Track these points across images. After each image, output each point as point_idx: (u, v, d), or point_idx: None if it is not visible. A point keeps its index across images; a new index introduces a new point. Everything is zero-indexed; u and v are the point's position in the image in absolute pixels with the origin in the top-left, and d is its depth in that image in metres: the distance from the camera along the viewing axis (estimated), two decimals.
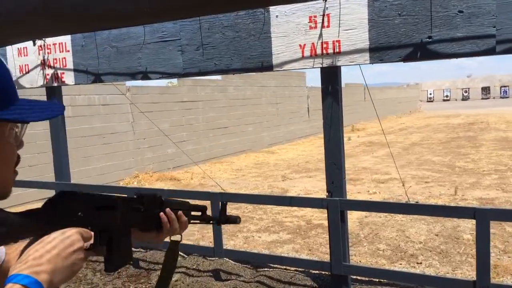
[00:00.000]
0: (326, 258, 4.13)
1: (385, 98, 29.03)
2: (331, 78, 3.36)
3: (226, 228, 5.91)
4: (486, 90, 50.67)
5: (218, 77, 13.44)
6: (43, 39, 4.37)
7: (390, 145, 13.39)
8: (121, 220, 0.95)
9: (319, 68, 3.35)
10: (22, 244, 0.82)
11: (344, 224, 3.45)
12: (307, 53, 3.33)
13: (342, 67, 3.38)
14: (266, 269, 4.04)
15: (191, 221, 1.20)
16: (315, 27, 3.28)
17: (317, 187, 8.34)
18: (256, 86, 15.15)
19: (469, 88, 51.99)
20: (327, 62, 3.27)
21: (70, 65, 4.33)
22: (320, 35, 3.28)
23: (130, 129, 10.34)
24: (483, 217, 2.90)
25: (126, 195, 1.05)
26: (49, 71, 4.45)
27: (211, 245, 4.15)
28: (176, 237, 1.17)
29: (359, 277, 3.72)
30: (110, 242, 0.93)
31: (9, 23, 3.34)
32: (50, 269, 0.72)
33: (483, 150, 12.38)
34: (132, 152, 10.39)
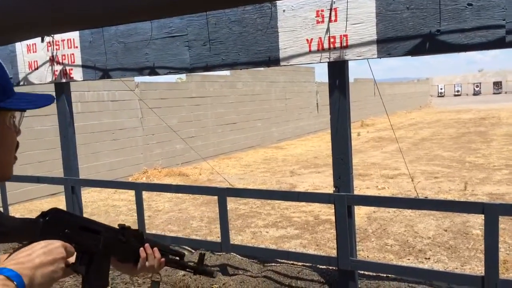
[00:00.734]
0: (334, 253, 4.12)
1: (394, 93, 28.84)
2: (338, 72, 3.34)
3: (233, 223, 5.92)
4: (497, 84, 50.07)
5: (227, 72, 13.44)
6: (52, 35, 4.40)
7: (399, 140, 13.31)
8: (103, 246, 1.03)
9: (326, 63, 3.33)
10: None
11: (351, 219, 3.44)
12: (314, 47, 3.31)
13: (350, 62, 3.36)
14: (273, 264, 4.05)
15: (169, 264, 1.27)
16: (322, 21, 3.26)
17: (326, 183, 8.32)
18: (265, 81, 15.12)
19: (480, 83, 51.42)
20: (334, 56, 3.25)
21: (78, 61, 4.36)
22: (328, 30, 3.26)
23: (139, 125, 10.39)
24: (492, 212, 2.87)
25: (110, 226, 1.11)
26: (58, 67, 4.48)
27: (219, 240, 4.17)
28: (156, 278, 1.26)
29: (366, 272, 3.71)
30: (90, 264, 0.99)
31: (17, 20, 3.36)
32: (32, 271, 0.78)
33: (494, 145, 12.26)
34: (141, 148, 10.44)
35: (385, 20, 3.04)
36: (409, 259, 4.52)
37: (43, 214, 0.91)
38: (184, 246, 4.46)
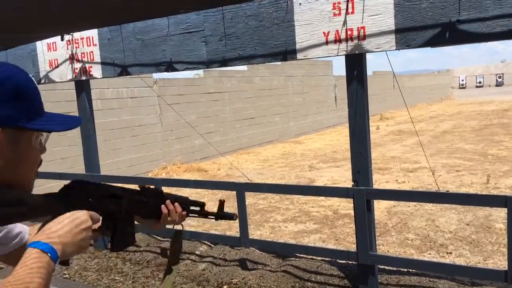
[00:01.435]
0: (353, 248, 4.09)
1: (414, 86, 28.40)
2: (356, 65, 3.30)
3: (252, 218, 5.93)
4: None
5: (244, 67, 13.43)
6: (71, 33, 4.46)
7: (420, 133, 13.11)
8: (126, 209, 1.10)
9: (344, 56, 3.30)
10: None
11: (371, 213, 3.40)
12: (331, 40, 3.27)
13: (368, 54, 3.32)
14: (292, 258, 4.04)
15: (190, 215, 1.35)
16: (339, 13, 3.22)
17: (345, 177, 8.27)
18: (282, 76, 15.07)
19: (503, 74, 50.24)
20: (351, 49, 3.21)
21: (97, 58, 4.41)
22: (345, 22, 3.22)
23: (158, 121, 10.48)
24: None
25: (131, 188, 1.18)
26: (78, 65, 4.54)
27: (238, 234, 4.18)
28: (178, 227, 1.33)
29: (386, 267, 3.67)
30: (115, 227, 1.08)
31: (37, 19, 3.42)
32: (62, 242, 0.84)
33: None
34: (160, 144, 10.54)
35: (403, 10, 2.99)
36: (430, 254, 4.46)
37: (66, 187, 0.96)
38: (203, 241, 4.49)
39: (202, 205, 1.41)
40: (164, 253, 4.40)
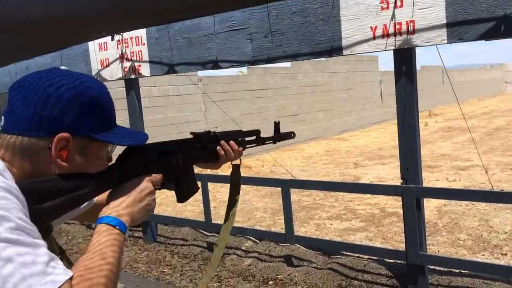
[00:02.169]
0: (401, 247, 4.00)
1: (465, 81, 27.29)
2: (405, 60, 3.22)
3: (297, 215, 5.92)
4: None
5: (288, 64, 13.38)
6: (121, 33, 4.60)
7: (471, 130, 12.59)
8: (183, 160, 1.14)
9: (392, 50, 3.22)
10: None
11: (420, 212, 3.31)
12: (379, 35, 3.20)
13: (417, 49, 3.22)
14: (338, 256, 4.00)
15: (247, 146, 1.41)
16: (387, 7, 3.14)
17: (391, 175, 8.08)
18: (326, 72, 14.90)
19: None
20: (400, 43, 3.13)
21: (145, 57, 4.53)
22: (393, 16, 3.14)
23: (203, 118, 10.64)
24: None
25: (184, 139, 1.23)
26: (127, 64, 4.69)
27: (283, 231, 4.19)
28: (236, 162, 1.38)
29: (437, 267, 3.56)
30: (177, 179, 1.12)
31: (89, 20, 3.55)
32: (129, 211, 0.90)
33: None
34: None
35: (455, 3, 2.88)
36: (483, 255, 4.29)
37: (121, 157, 0.99)
38: (248, 237, 4.53)
39: (257, 133, 1.46)
40: (211, 248, 4.48)
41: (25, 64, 5.57)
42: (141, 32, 4.49)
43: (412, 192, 3.24)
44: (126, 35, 4.60)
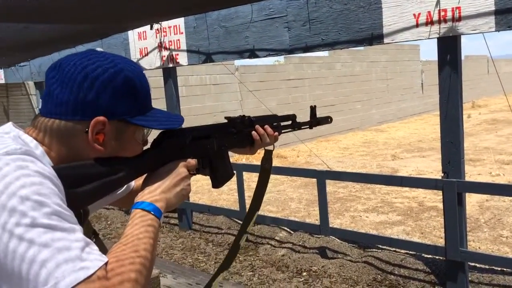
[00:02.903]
0: (441, 242, 3.88)
1: None
2: (449, 48, 3.08)
3: (332, 206, 5.85)
4: None
5: (325, 53, 13.18)
6: (160, 22, 4.64)
7: None
8: (217, 145, 1.12)
9: (436, 38, 3.09)
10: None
11: (462, 207, 3.19)
12: (422, 22, 3.08)
13: (462, 37, 3.08)
14: (374, 250, 3.93)
15: (283, 131, 1.37)
16: None
17: (431, 168, 7.85)
18: (365, 61, 14.58)
19: None
20: (445, 31, 3.00)
21: (183, 46, 4.55)
22: (438, 2, 3.01)
23: (239, 108, 10.66)
24: None
25: (218, 124, 1.21)
26: (165, 53, 4.73)
27: (317, 222, 4.14)
28: (269, 147, 1.34)
29: (478, 265, 3.44)
30: (212, 164, 1.11)
31: (130, 10, 3.60)
32: (164, 197, 0.89)
33: None
34: None
35: None
36: None
37: (156, 142, 0.98)
38: (283, 227, 4.52)
39: (293, 117, 1.41)
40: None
41: (68, 53, 5.72)
42: (179, 21, 4.51)
43: (453, 186, 3.13)
44: (165, 24, 4.64)
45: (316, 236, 4.23)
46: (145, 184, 0.92)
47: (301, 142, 9.37)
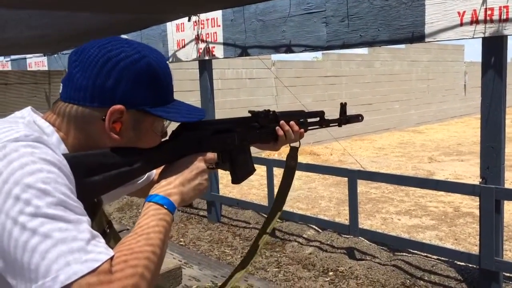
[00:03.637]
0: (475, 250, 3.74)
1: None
2: (494, 49, 2.94)
3: (364, 207, 5.75)
4: None
5: (364, 51, 12.95)
6: (198, 15, 4.67)
7: None
8: (239, 140, 1.08)
9: (480, 38, 2.96)
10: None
11: (499, 215, 3.06)
12: (466, 21, 2.96)
13: (509, 37, 2.94)
14: (404, 254, 3.83)
15: (310, 128, 1.30)
16: None
17: (470, 172, 7.59)
18: (405, 60, 14.21)
19: None
20: (491, 30, 2.86)
21: (220, 39, 4.56)
22: (484, 1, 2.88)
23: (274, 103, 10.62)
24: None
25: (241, 117, 1.15)
26: (202, 45, 4.75)
27: (347, 222, 4.08)
28: (294, 144, 1.28)
29: None
30: (232, 159, 1.07)
31: (169, 1, 3.62)
32: (179, 191, 0.87)
33: None
34: None
35: None
36: None
37: (174, 134, 0.95)
38: (311, 225, 4.47)
39: (321, 114, 1.34)
40: (272, 234, 4.48)
41: None
42: (217, 14, 4.52)
43: (491, 193, 3.00)
44: (203, 16, 4.66)
45: (345, 236, 4.16)
46: (161, 177, 0.90)
47: (335, 140, 9.25)
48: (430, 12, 3.12)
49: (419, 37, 3.21)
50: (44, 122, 0.82)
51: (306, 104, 10.02)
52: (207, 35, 4.67)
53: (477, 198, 3.14)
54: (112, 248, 0.70)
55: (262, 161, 4.62)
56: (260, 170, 7.99)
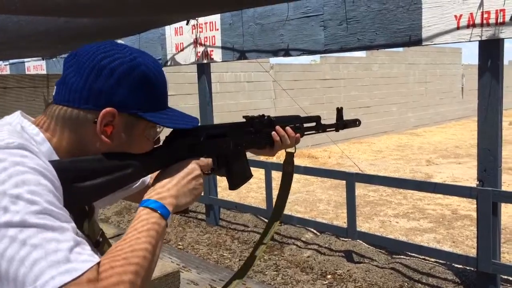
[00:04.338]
0: (472, 252, 3.75)
1: None
2: (491, 52, 2.96)
3: (361, 210, 5.76)
4: None
5: (362, 54, 12.99)
6: (196, 18, 4.68)
7: None
8: (234, 145, 1.07)
9: (477, 42, 2.98)
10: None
11: (496, 217, 3.07)
12: (463, 25, 2.98)
13: (506, 40, 2.96)
14: (402, 256, 3.84)
15: (306, 133, 1.30)
16: None
17: (467, 175, 7.61)
18: (403, 63, 14.26)
19: None
20: (487, 34, 2.88)
21: (218, 42, 4.57)
22: (481, 4, 2.90)
23: (272, 106, 10.64)
24: None
25: (236, 122, 1.15)
26: (200, 49, 4.76)
27: (345, 225, 4.09)
28: (290, 149, 1.28)
29: (511, 278, 3.30)
30: (228, 165, 1.06)
31: (168, 6, 3.63)
32: (173, 195, 0.85)
33: None
34: None
35: None
36: None
37: (167, 140, 0.94)
38: (309, 228, 4.48)
39: (317, 119, 1.34)
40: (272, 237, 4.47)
41: None
42: (216, 18, 4.53)
43: (488, 195, 3.01)
44: (201, 20, 4.67)
45: (343, 239, 4.17)
46: (156, 181, 0.88)
47: (333, 143, 9.27)
48: (427, 16, 3.14)
49: (416, 41, 3.23)
50: (34, 129, 0.81)
51: (304, 107, 10.04)
52: (206, 39, 4.69)
53: (475, 201, 3.15)
54: None
55: (260, 164, 4.62)
56: (259, 174, 7.98)
